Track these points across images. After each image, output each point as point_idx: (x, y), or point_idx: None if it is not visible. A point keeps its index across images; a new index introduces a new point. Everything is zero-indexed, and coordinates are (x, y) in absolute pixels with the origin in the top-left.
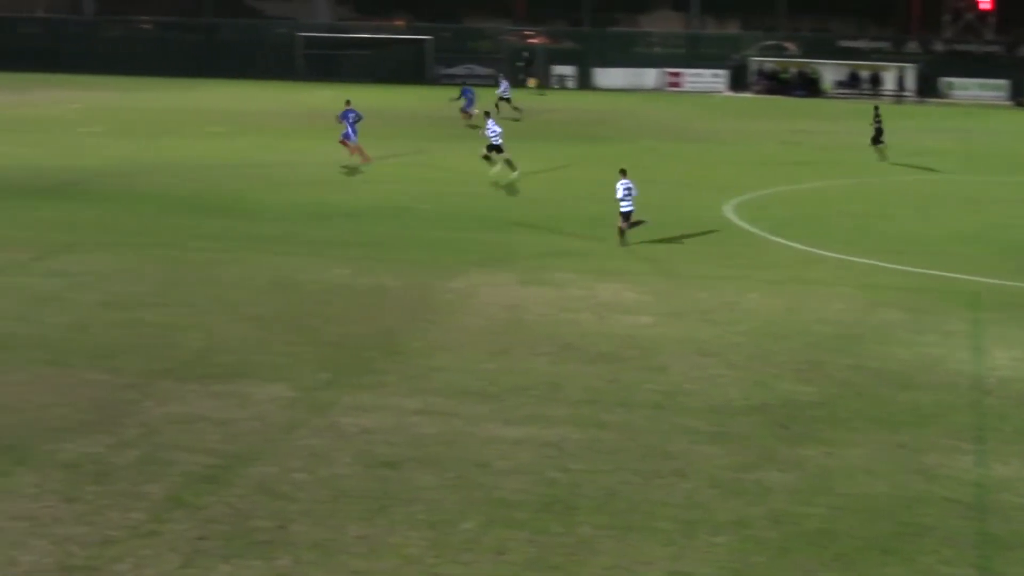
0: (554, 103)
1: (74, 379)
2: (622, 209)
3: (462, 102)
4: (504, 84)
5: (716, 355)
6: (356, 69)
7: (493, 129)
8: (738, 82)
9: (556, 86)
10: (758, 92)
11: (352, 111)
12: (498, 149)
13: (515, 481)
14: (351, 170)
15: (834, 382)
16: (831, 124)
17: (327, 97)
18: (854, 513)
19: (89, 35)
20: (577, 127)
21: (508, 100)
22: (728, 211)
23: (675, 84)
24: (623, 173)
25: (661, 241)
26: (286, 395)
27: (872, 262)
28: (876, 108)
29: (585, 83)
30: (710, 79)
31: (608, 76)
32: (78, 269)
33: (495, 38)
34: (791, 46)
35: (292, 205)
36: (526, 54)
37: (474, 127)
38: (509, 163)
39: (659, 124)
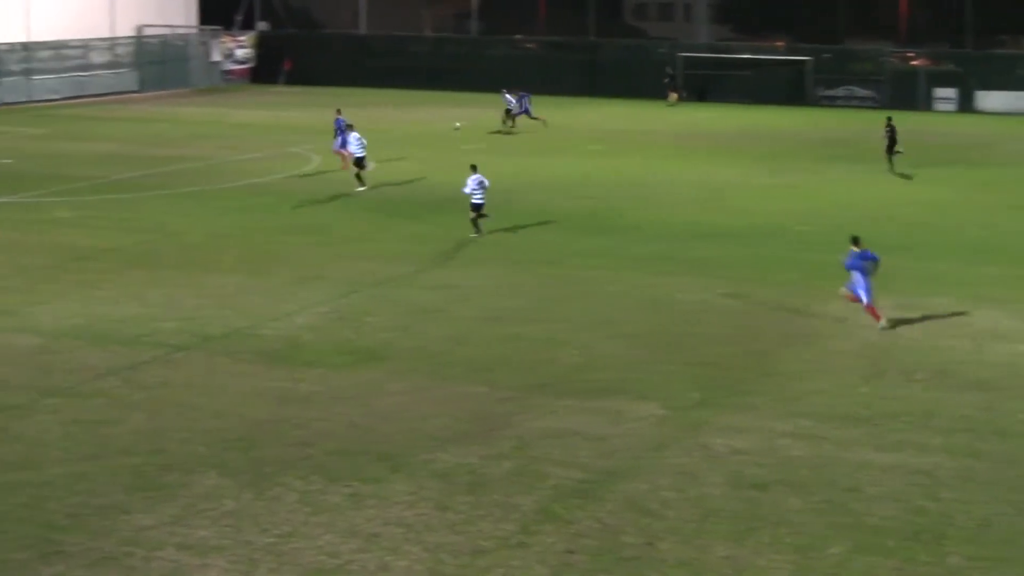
0: (933, 126)
1: (452, 391)
2: (474, 201)
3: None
4: (511, 100)
5: None
6: (735, 90)
7: (361, 142)
8: None
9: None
10: None
11: (341, 119)
12: (360, 163)
13: (884, 508)
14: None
15: None
16: None
17: (706, 118)
18: None
19: (474, 54)
20: (957, 151)
21: (515, 115)
22: None
23: None
24: (474, 169)
25: None
26: (657, 413)
27: None
28: (889, 119)
29: (966, 106)
30: None
31: (990, 99)
32: (459, 283)
33: (876, 60)
34: None
35: (669, 224)
36: (669, 69)
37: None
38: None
39: None
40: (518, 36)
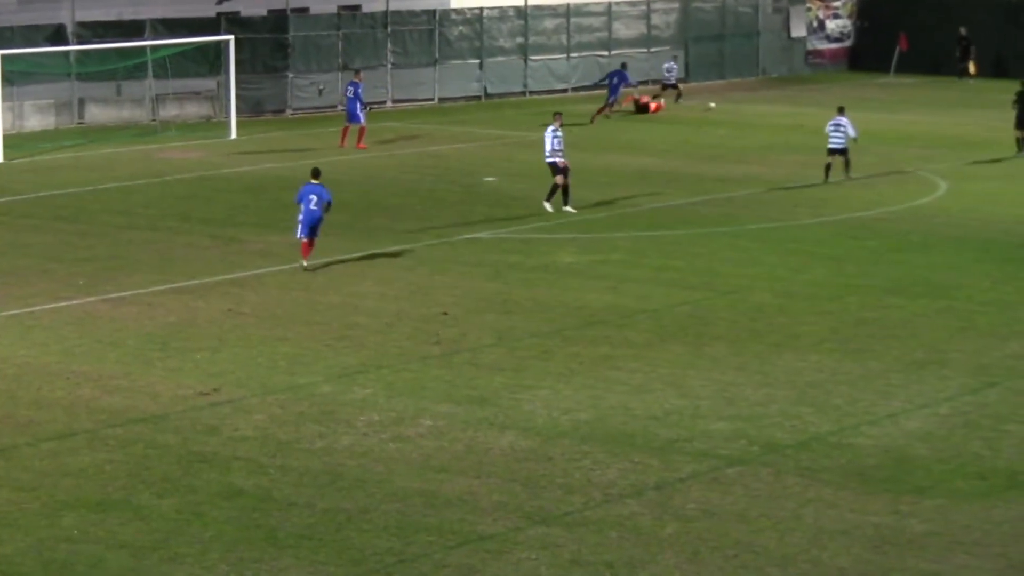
0: None
1: None
2: (831, 145)
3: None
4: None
5: None
6: None
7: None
8: None
9: None
10: None
11: (354, 83)
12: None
13: None
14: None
15: None
16: None
17: None
18: None
19: None
20: None
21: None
22: None
23: None
24: (840, 111)
25: None
26: None
27: None
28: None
29: None
30: None
31: None
32: None
33: None
34: None
35: None
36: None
37: None
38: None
39: None
40: None
